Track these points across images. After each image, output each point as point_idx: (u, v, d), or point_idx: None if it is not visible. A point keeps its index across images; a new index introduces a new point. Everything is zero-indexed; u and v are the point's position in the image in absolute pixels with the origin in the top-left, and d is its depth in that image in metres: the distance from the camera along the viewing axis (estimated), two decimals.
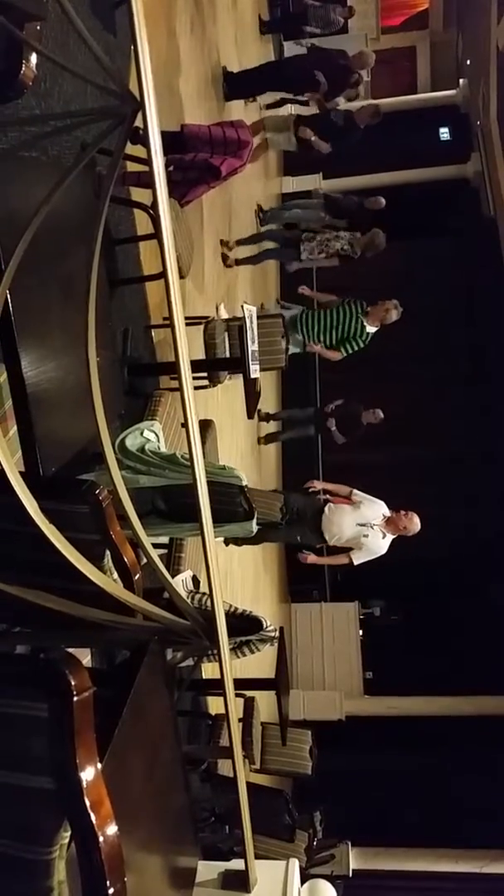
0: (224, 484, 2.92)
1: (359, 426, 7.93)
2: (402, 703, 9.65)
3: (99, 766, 1.13)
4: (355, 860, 7.86)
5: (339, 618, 10.20)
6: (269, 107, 9.28)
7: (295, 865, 2.51)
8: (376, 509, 5.04)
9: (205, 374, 4.42)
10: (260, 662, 4.41)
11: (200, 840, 2.53)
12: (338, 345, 6.41)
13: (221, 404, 6.01)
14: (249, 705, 4.58)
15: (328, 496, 5.22)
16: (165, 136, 1.96)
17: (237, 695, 4.29)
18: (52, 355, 2.01)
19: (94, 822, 1.09)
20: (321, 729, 5.64)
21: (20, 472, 1.49)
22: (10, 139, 2.43)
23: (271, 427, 8.84)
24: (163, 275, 1.52)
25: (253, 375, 4.19)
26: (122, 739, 1.44)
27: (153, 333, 4.36)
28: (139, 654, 1.66)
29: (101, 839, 1.09)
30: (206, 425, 3.86)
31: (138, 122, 1.53)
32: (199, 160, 4.14)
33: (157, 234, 1.54)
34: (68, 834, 1.15)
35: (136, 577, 1.82)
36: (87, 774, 1.10)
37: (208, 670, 4.11)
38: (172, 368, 1.69)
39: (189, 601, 1.94)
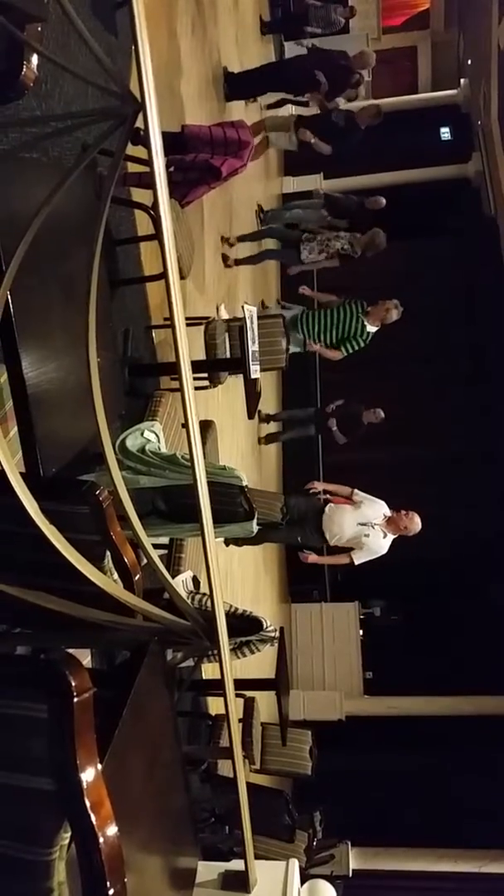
0: (224, 484, 2.93)
1: (359, 426, 7.92)
2: (402, 703, 9.64)
3: (99, 766, 1.13)
4: (355, 860, 7.85)
5: (340, 618, 10.18)
6: (269, 107, 9.27)
7: (295, 866, 2.51)
8: (377, 509, 5.04)
9: (205, 375, 4.43)
10: (260, 663, 4.41)
11: (200, 840, 2.54)
12: (338, 344, 6.42)
13: (222, 405, 6.01)
14: (249, 705, 4.58)
15: (329, 496, 5.23)
16: (166, 136, 1.96)
17: (237, 695, 4.29)
18: (53, 356, 2.01)
19: (94, 822, 1.09)
20: (321, 729, 5.63)
21: (21, 473, 1.50)
22: (10, 140, 2.43)
23: (272, 427, 8.84)
24: (163, 275, 1.52)
25: (253, 376, 4.19)
26: (123, 740, 1.44)
27: (154, 334, 4.36)
28: (139, 655, 1.66)
29: (101, 840, 1.09)
30: (206, 426, 3.86)
31: (139, 123, 1.53)
32: (199, 161, 4.14)
33: (157, 235, 1.54)
34: (68, 835, 1.15)
35: (137, 577, 1.81)
36: (88, 775, 1.10)
37: (208, 671, 4.11)
38: (173, 369, 1.69)
39: (189, 602, 1.94)
